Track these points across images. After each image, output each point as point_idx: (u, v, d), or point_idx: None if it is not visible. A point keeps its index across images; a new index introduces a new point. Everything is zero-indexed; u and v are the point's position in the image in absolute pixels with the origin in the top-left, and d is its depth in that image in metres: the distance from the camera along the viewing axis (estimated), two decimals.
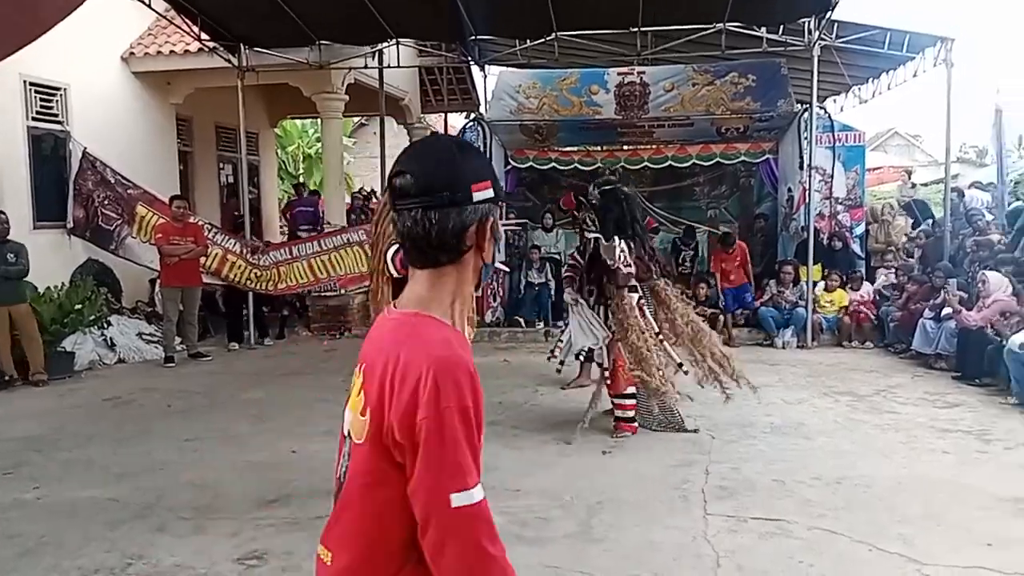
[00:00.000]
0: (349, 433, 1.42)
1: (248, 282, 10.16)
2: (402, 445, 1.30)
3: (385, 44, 9.98)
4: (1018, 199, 11.03)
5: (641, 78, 11.05)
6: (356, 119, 23.80)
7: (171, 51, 11.04)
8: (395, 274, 1.61)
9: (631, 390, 5.66)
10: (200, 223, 9.75)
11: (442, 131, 17.35)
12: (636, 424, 5.76)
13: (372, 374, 1.36)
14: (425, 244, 1.37)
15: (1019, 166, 10.99)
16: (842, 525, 3.98)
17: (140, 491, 4.71)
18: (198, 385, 7.90)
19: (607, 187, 5.74)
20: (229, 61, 10.03)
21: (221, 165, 13.79)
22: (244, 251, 10.24)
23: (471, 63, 12.77)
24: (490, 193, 1.39)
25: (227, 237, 10.26)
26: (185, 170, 12.76)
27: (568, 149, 12.29)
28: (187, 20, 9.50)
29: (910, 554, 3.63)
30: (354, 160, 23.90)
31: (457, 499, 1.28)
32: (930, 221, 11.14)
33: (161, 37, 11.42)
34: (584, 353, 6.01)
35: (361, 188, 16.30)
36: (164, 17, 10.03)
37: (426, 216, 1.35)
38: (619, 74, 11.09)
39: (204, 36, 9.69)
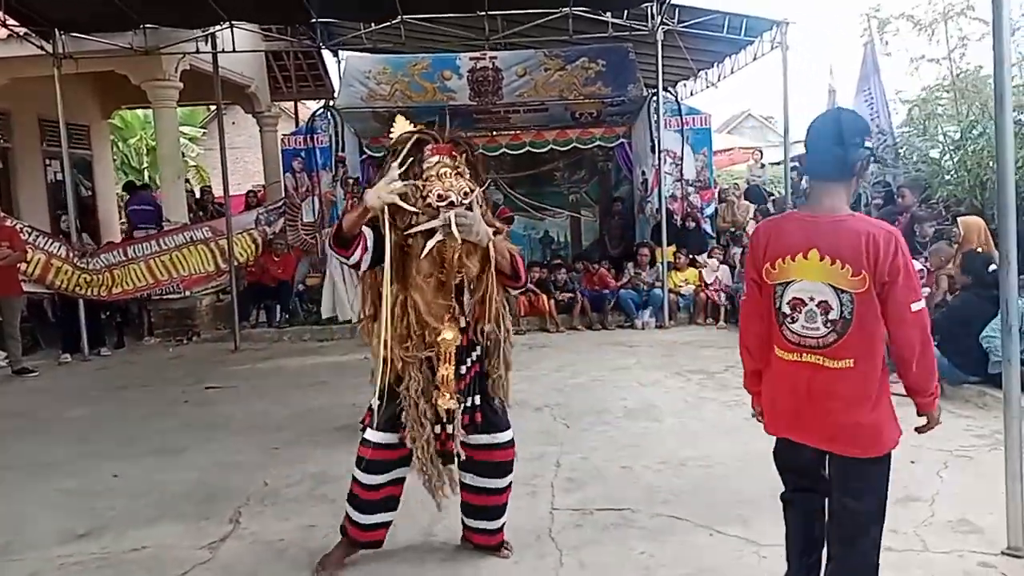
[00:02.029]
0: (838, 288, 2.41)
1: (77, 288, 9.33)
2: (886, 282, 2.36)
3: (218, 27, 9.34)
4: None
5: (493, 63, 10.90)
6: (213, 108, 22.60)
7: None
8: None
9: None
10: (16, 226, 8.87)
11: (294, 120, 16.68)
12: None
13: (843, 248, 2.39)
14: (831, 166, 2.48)
15: None
16: (684, 510, 3.97)
17: None
18: (18, 404, 7.20)
19: None
20: (42, 48, 9.13)
21: (48, 162, 12.64)
22: (71, 255, 9.38)
23: (321, 48, 12.30)
24: (870, 144, 2.53)
25: (50, 240, 9.35)
26: (5, 168, 11.66)
27: None
28: None
29: (749, 536, 3.63)
30: (206, 152, 22.68)
31: (915, 306, 2.40)
32: (772, 200, 11.61)
33: None
34: None
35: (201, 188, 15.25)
36: None
37: (834, 150, 2.45)
38: (471, 59, 10.90)
39: (10, 21, 8.76)
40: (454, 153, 3.12)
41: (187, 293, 10.14)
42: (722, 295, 9.82)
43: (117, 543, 3.94)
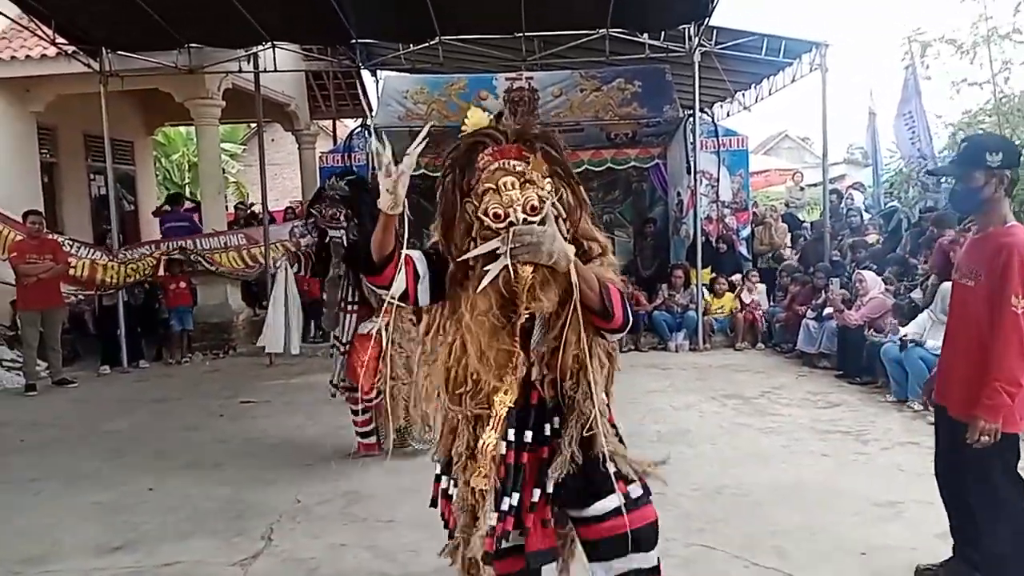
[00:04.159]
0: None
1: (127, 278, 9.62)
2: None
3: (261, 47, 9.52)
4: (895, 200, 11.49)
5: (530, 83, 10.98)
6: (253, 126, 22.99)
7: (27, 56, 10.28)
8: None
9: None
10: (58, 239, 9.07)
11: (332, 138, 16.85)
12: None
13: None
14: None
15: (891, 167, 11.44)
16: (719, 539, 3.89)
17: None
18: (58, 415, 7.31)
19: (352, 176, 5.36)
20: (89, 66, 9.36)
21: (92, 176, 12.95)
22: (112, 258, 9.63)
23: (360, 68, 12.45)
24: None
25: (92, 250, 9.60)
26: (51, 182, 11.93)
27: None
28: (39, 23, 8.76)
29: (785, 568, 3.56)
30: (245, 169, 23.03)
31: None
32: (808, 227, 11.48)
33: (16, 41, 10.64)
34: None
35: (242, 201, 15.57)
36: (16, 23, 9.28)
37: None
38: (507, 79, 10.99)
39: (60, 40, 8.99)
40: (524, 154, 2.26)
41: (216, 269, 10.32)
42: (759, 320, 9.69)
43: (151, 557, 3.96)
